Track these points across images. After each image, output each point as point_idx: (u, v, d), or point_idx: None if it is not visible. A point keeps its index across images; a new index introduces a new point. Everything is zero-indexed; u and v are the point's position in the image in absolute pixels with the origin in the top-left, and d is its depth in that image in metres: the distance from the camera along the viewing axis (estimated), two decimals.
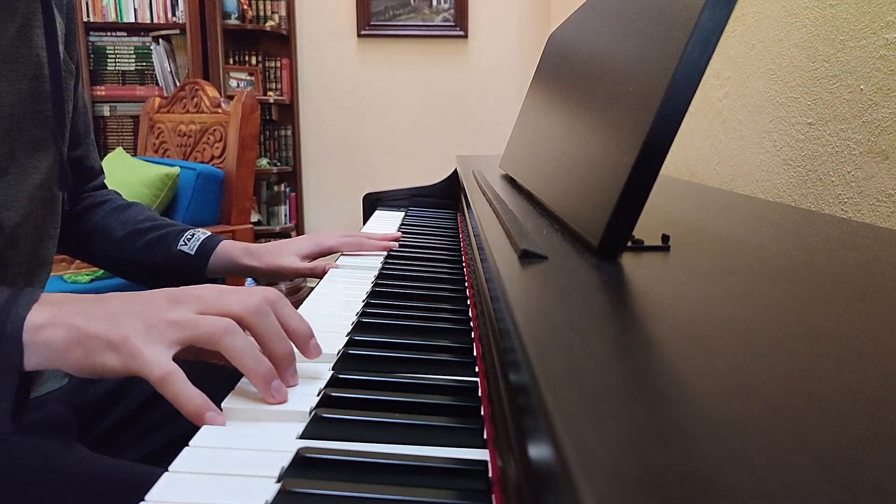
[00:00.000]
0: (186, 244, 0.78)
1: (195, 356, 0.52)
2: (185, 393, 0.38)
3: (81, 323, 0.40)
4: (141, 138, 2.18)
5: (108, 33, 2.74)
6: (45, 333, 0.40)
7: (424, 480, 0.33)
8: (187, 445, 0.35)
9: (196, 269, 0.78)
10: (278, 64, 2.92)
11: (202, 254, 0.78)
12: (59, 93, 0.62)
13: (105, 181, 0.85)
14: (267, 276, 0.81)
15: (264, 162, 2.90)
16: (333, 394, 0.40)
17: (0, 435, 0.52)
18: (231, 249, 0.79)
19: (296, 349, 0.44)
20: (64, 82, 0.64)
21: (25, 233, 0.61)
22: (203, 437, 0.36)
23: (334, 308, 0.61)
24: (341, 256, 0.84)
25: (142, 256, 0.78)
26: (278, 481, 0.32)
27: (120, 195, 0.86)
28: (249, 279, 2.87)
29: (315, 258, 0.82)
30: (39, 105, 0.61)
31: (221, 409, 0.39)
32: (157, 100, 2.17)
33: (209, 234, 0.80)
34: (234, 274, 0.81)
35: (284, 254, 0.80)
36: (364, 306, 0.60)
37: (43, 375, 0.65)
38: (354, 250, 0.85)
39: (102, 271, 1.74)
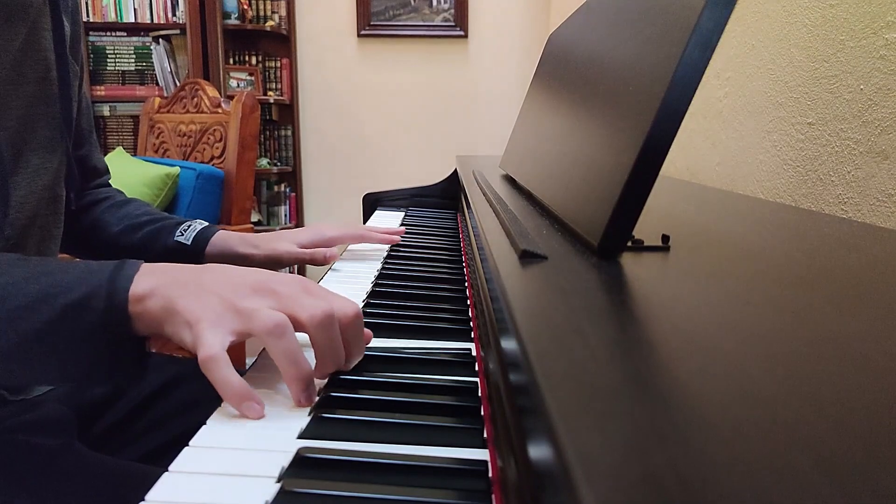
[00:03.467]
0: (182, 235, 0.78)
1: (193, 355, 0.52)
2: (224, 378, 0.38)
3: (175, 295, 0.42)
4: (141, 138, 2.18)
5: (108, 33, 2.74)
6: (147, 303, 0.42)
7: (424, 480, 0.33)
8: (187, 445, 0.35)
9: (193, 260, 0.78)
10: (278, 64, 2.92)
11: (198, 244, 0.78)
12: (66, 94, 0.62)
13: (109, 180, 0.86)
14: (265, 265, 0.80)
15: (264, 162, 2.90)
16: (333, 394, 0.40)
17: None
18: (228, 238, 0.79)
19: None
20: (70, 83, 0.64)
21: (31, 234, 0.61)
22: (203, 437, 0.36)
23: None
24: (341, 258, 0.83)
25: (139, 250, 0.78)
26: (278, 481, 0.32)
27: (121, 192, 0.86)
28: None
29: (315, 248, 0.81)
30: (48, 107, 0.61)
31: (221, 409, 0.39)
32: (157, 100, 2.17)
33: (206, 224, 0.80)
34: (231, 264, 0.80)
35: (283, 241, 0.79)
36: (364, 306, 0.60)
37: None
38: (357, 241, 0.84)
39: None
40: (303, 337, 0.41)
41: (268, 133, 2.98)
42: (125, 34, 2.74)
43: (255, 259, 0.78)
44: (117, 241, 0.79)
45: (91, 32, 2.70)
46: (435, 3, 2.92)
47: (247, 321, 0.41)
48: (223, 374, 0.39)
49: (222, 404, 0.40)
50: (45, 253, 0.65)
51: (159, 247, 0.78)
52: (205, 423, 0.38)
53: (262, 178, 2.94)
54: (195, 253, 0.78)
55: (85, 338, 0.41)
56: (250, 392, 0.39)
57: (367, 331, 0.46)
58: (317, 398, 0.41)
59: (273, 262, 0.79)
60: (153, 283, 0.42)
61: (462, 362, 0.47)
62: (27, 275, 0.42)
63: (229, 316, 0.41)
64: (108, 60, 2.74)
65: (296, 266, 2.89)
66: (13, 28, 0.57)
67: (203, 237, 0.78)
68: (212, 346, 0.39)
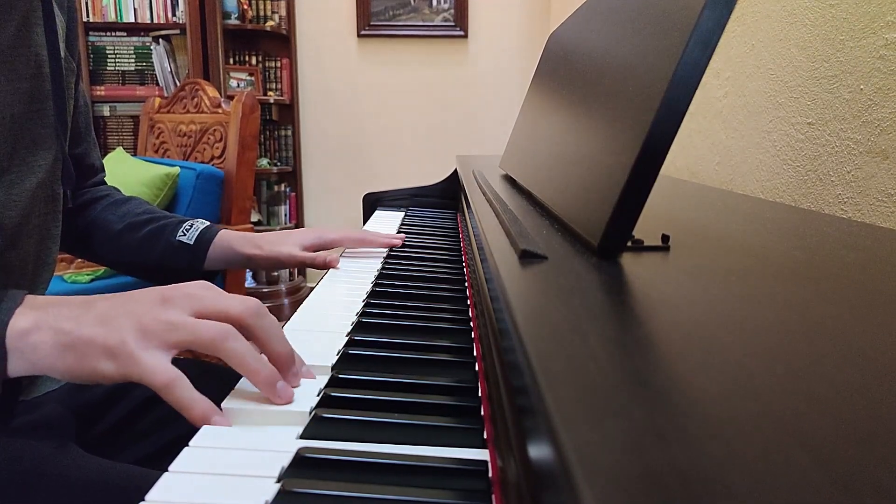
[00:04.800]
0: (185, 234, 0.78)
1: (193, 356, 0.52)
2: (190, 398, 0.37)
3: (72, 327, 0.39)
4: (141, 138, 2.18)
5: (108, 33, 2.74)
6: (32, 338, 0.39)
7: (424, 480, 0.33)
8: (187, 445, 0.35)
9: (195, 260, 0.78)
10: (278, 64, 2.92)
11: (201, 243, 0.78)
12: (59, 91, 0.62)
13: (105, 178, 0.85)
14: (267, 266, 0.81)
15: (264, 162, 2.90)
16: (333, 394, 0.40)
17: None
18: (230, 238, 0.79)
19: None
20: (65, 80, 0.64)
21: (27, 233, 0.61)
22: (203, 437, 0.36)
23: (334, 308, 0.61)
24: (341, 257, 0.83)
25: (141, 249, 0.78)
26: (278, 481, 0.32)
27: (119, 190, 0.86)
28: (248, 278, 2.86)
29: (316, 250, 0.82)
30: (40, 104, 0.61)
31: (221, 409, 0.39)
32: (157, 100, 2.17)
33: (208, 223, 0.80)
34: (233, 264, 0.80)
35: (285, 243, 0.79)
36: (364, 306, 0.60)
37: (39, 378, 0.64)
38: (357, 245, 0.84)
39: (103, 270, 1.74)
40: None
41: (268, 133, 2.98)
42: (125, 34, 2.74)
43: (258, 259, 0.78)
44: (118, 239, 0.79)
45: (91, 32, 2.70)
46: (435, 3, 2.92)
47: (189, 334, 0.38)
48: (188, 396, 0.37)
49: (223, 404, 0.39)
50: (44, 251, 0.64)
51: (161, 245, 0.78)
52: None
53: (262, 178, 2.94)
54: (198, 252, 0.78)
55: None
56: (214, 407, 0.38)
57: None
58: (316, 398, 0.41)
59: (275, 264, 0.79)
60: (37, 316, 0.39)
61: (462, 362, 0.47)
62: None
63: (159, 331, 0.38)
64: (108, 60, 2.74)
65: (296, 268, 2.89)
66: (0, 22, 0.56)
67: (206, 237, 0.78)
68: (162, 369, 0.37)
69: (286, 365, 0.42)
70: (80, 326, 0.39)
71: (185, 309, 0.40)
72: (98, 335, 0.38)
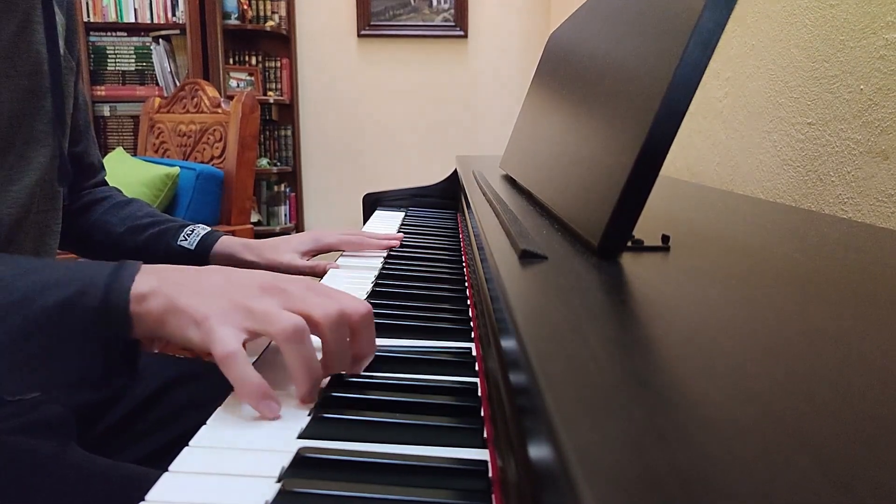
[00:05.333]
0: (186, 239, 0.79)
1: (194, 355, 0.52)
2: (242, 375, 0.38)
3: (177, 295, 0.41)
4: (141, 138, 2.18)
5: (108, 33, 2.74)
6: (148, 303, 0.41)
7: (424, 480, 0.33)
8: (187, 445, 0.35)
9: (196, 265, 0.78)
10: (278, 64, 2.93)
11: (202, 249, 0.78)
12: (58, 89, 0.62)
13: (105, 178, 0.86)
14: None
15: (264, 162, 2.90)
16: (333, 394, 0.40)
17: None
18: (230, 245, 0.80)
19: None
20: (64, 78, 0.64)
21: (25, 229, 0.61)
22: (203, 437, 0.36)
23: None
24: (341, 256, 0.83)
25: (142, 252, 0.79)
26: (278, 481, 0.32)
27: (120, 191, 0.86)
28: None
29: (315, 255, 0.82)
30: (39, 101, 0.61)
31: (221, 409, 0.39)
32: (157, 100, 2.17)
33: (209, 229, 0.81)
34: None
35: (284, 250, 0.80)
36: None
37: None
38: (355, 249, 0.85)
39: None
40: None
41: (268, 133, 2.98)
42: (125, 34, 2.74)
43: (257, 268, 0.79)
44: (119, 242, 0.79)
45: (91, 32, 2.70)
46: (435, 3, 2.92)
47: (262, 322, 0.40)
48: (242, 371, 0.38)
49: (223, 404, 0.40)
50: (43, 248, 0.64)
51: (161, 250, 0.78)
52: (205, 424, 0.38)
53: (262, 178, 2.94)
54: (199, 258, 0.78)
55: (78, 337, 0.39)
56: (269, 390, 0.38)
57: None
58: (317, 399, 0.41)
59: (273, 272, 0.80)
60: (154, 282, 0.41)
61: (462, 362, 0.47)
62: (16, 272, 0.41)
63: (241, 315, 0.40)
64: (108, 60, 2.74)
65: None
66: (1, 20, 0.56)
67: (207, 242, 0.79)
68: (228, 342, 0.38)
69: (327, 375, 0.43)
70: (182, 296, 0.41)
71: (276, 302, 0.41)
72: (192, 306, 0.40)
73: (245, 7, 2.80)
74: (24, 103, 0.59)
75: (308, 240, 0.82)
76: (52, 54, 0.61)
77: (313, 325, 0.41)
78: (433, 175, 1.44)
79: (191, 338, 0.40)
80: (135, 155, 2.10)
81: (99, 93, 2.73)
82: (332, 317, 0.41)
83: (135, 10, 2.70)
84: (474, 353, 0.49)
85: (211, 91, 2.00)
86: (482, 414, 0.39)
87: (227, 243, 0.80)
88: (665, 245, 0.45)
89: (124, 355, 0.41)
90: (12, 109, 0.58)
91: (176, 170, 1.82)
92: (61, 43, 0.64)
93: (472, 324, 0.56)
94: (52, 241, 0.66)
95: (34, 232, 0.62)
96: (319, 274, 0.78)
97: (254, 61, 2.91)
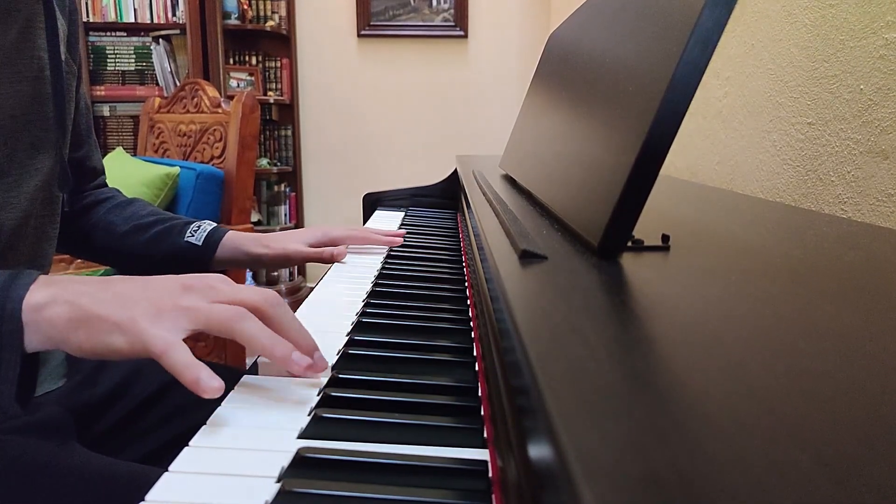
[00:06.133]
0: (193, 235, 0.79)
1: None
2: (184, 363, 0.37)
3: (87, 303, 0.39)
4: (141, 138, 2.18)
5: (108, 33, 2.74)
6: (47, 312, 0.39)
7: (424, 480, 0.33)
8: (187, 445, 0.35)
9: (204, 260, 0.79)
10: (278, 64, 2.92)
11: (210, 244, 0.79)
12: (59, 94, 0.62)
13: (105, 180, 0.86)
14: (274, 264, 0.82)
15: (264, 162, 2.90)
16: (333, 394, 0.40)
17: None
18: (238, 238, 0.80)
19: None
20: (66, 83, 0.64)
21: (24, 235, 0.61)
22: (203, 437, 0.36)
23: (334, 308, 0.61)
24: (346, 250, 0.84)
25: (148, 250, 0.79)
26: (278, 481, 0.32)
27: (121, 192, 0.87)
28: (249, 279, 2.86)
29: (321, 248, 0.83)
30: (40, 107, 0.61)
31: (221, 409, 0.39)
32: (157, 100, 2.17)
33: (215, 225, 0.81)
34: (239, 264, 0.82)
35: (292, 240, 0.81)
36: (364, 306, 0.60)
37: (40, 377, 0.64)
38: (360, 243, 0.85)
39: (103, 270, 1.74)
40: None
41: (268, 133, 2.98)
42: (125, 34, 2.74)
43: (266, 258, 0.80)
44: (123, 241, 0.79)
45: (91, 32, 2.70)
46: (435, 3, 2.92)
47: (203, 317, 0.39)
48: (183, 359, 0.37)
49: (223, 404, 0.40)
50: (40, 254, 0.64)
51: (167, 247, 0.79)
52: (205, 424, 0.38)
53: (262, 178, 2.94)
54: (206, 253, 0.79)
55: None
56: (209, 373, 0.37)
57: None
58: (316, 398, 0.41)
59: (283, 261, 0.81)
60: (53, 291, 0.40)
61: (462, 362, 0.47)
62: None
63: (173, 315, 0.39)
64: (108, 60, 2.74)
65: (296, 266, 2.89)
66: (3, 25, 0.56)
67: (214, 238, 0.79)
68: (167, 336, 0.38)
69: (305, 352, 0.42)
70: (95, 303, 0.39)
71: (204, 297, 0.41)
72: (112, 313, 0.39)
73: (245, 7, 2.80)
74: (26, 108, 0.59)
75: (316, 232, 0.83)
76: (53, 60, 0.61)
77: (251, 309, 0.40)
78: (433, 175, 1.44)
79: (113, 344, 0.39)
80: (135, 155, 2.10)
81: (99, 93, 2.73)
82: (270, 297, 0.41)
83: (134, 10, 2.70)
84: (474, 353, 0.49)
85: (211, 91, 2.00)
86: (482, 414, 0.39)
87: (234, 237, 0.80)
88: (665, 245, 0.45)
89: (10, 366, 0.39)
90: (14, 115, 0.58)
91: (176, 170, 1.82)
92: (62, 48, 0.64)
93: (472, 324, 0.56)
94: (49, 247, 0.66)
95: (33, 238, 0.62)
96: (327, 259, 0.79)
97: (254, 61, 2.91)
